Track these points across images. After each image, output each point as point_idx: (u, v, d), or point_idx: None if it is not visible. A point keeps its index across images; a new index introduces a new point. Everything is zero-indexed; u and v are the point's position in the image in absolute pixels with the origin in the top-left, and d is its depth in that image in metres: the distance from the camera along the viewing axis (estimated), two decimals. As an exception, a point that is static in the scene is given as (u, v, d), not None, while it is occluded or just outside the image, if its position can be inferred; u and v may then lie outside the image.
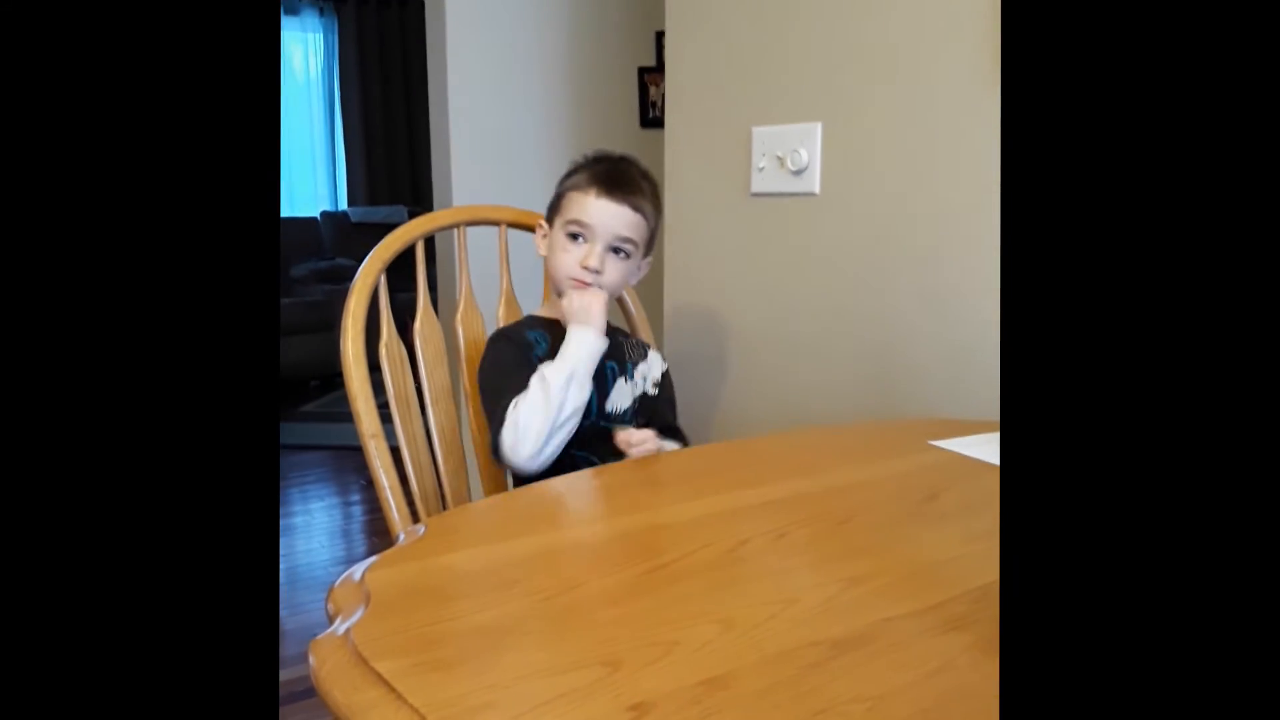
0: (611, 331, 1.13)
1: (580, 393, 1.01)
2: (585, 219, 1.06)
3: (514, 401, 1.01)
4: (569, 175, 1.12)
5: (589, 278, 1.06)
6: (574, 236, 1.07)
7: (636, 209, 1.08)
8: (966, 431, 0.96)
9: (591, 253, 1.06)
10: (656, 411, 1.15)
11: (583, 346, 1.03)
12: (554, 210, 1.11)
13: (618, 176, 1.08)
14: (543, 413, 0.99)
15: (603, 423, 1.08)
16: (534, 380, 1.01)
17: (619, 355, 1.12)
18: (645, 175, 1.12)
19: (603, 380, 1.08)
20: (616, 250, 1.07)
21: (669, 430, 1.14)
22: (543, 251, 1.13)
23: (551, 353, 1.06)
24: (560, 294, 1.09)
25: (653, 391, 1.15)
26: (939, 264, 1.22)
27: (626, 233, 1.07)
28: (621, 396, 1.11)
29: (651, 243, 1.12)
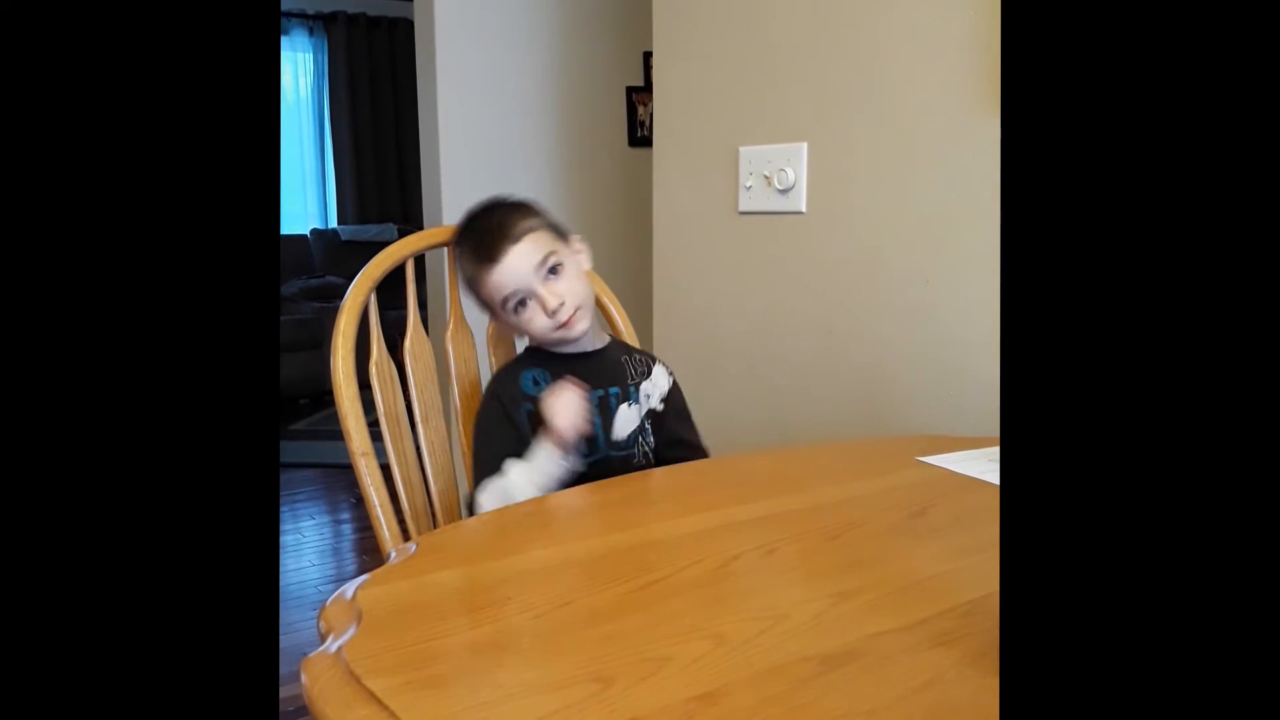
0: (613, 350, 1.11)
1: (544, 493, 0.97)
2: (511, 285, 1.01)
3: (481, 486, 0.99)
4: (460, 273, 1.08)
5: (564, 314, 1.01)
6: (520, 305, 1.02)
7: (524, 234, 1.02)
8: (955, 448, 0.97)
9: (542, 303, 1.01)
10: (668, 427, 1.12)
11: (548, 467, 0.98)
12: (484, 304, 1.06)
13: (489, 230, 1.04)
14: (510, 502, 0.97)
15: (613, 453, 1.05)
16: (494, 485, 0.98)
17: (621, 378, 1.09)
18: (503, 206, 1.07)
19: (607, 410, 1.06)
20: (550, 271, 1.02)
21: (685, 445, 1.12)
22: (521, 337, 1.09)
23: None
24: (551, 344, 1.06)
25: (659, 407, 1.12)
26: (926, 282, 1.23)
27: (539, 255, 1.02)
28: (627, 422, 1.08)
29: (560, 230, 1.07)
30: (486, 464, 1.01)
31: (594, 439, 1.04)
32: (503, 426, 1.03)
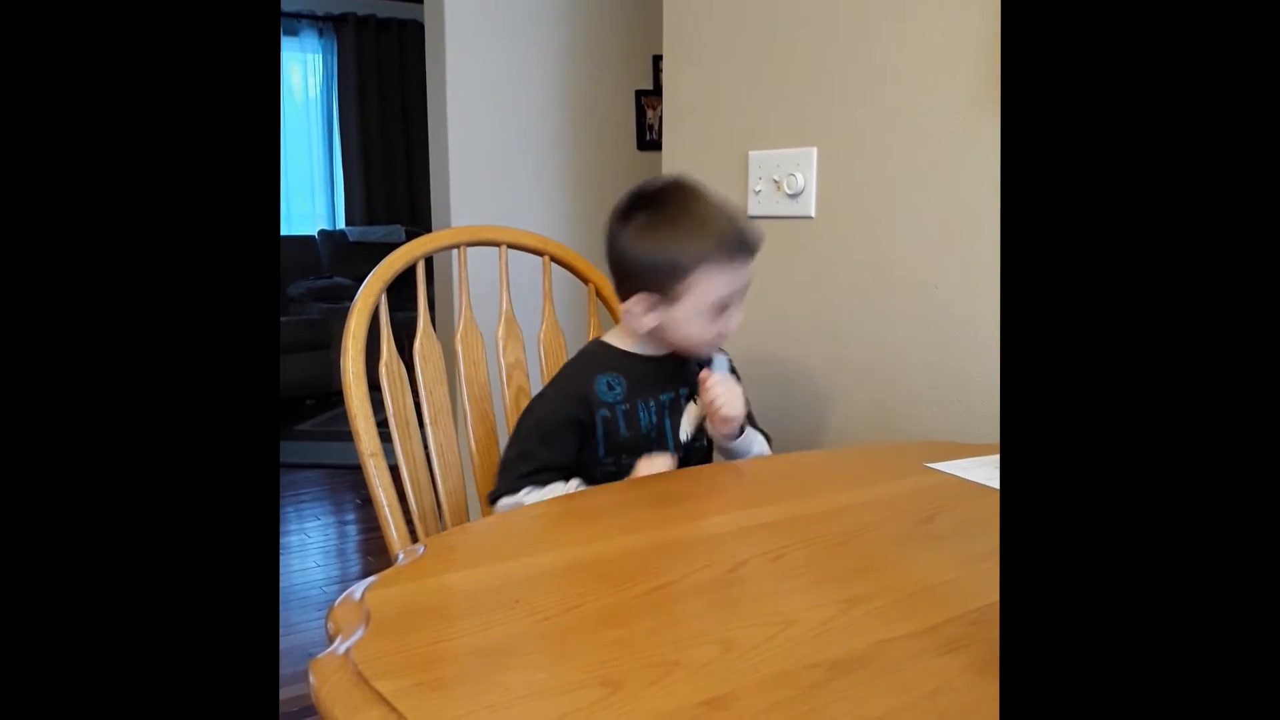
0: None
1: None
2: (733, 291, 0.97)
3: (527, 490, 0.97)
4: (677, 240, 0.95)
5: (733, 334, 1.00)
6: (724, 306, 0.97)
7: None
8: (963, 454, 0.96)
9: (735, 316, 0.98)
10: None
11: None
12: (675, 282, 0.96)
13: (746, 234, 0.97)
14: None
15: (679, 453, 1.03)
16: (542, 495, 0.96)
17: (690, 378, 1.05)
18: (726, 200, 1.02)
19: (677, 411, 1.03)
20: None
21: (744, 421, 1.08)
22: (652, 324, 1.00)
23: (628, 395, 1.01)
24: (693, 359, 1.03)
25: None
26: (934, 287, 1.23)
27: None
28: (691, 418, 1.05)
29: None
30: (535, 461, 0.98)
31: (664, 442, 1.02)
32: (566, 433, 1.00)
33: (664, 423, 1.03)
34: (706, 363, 1.07)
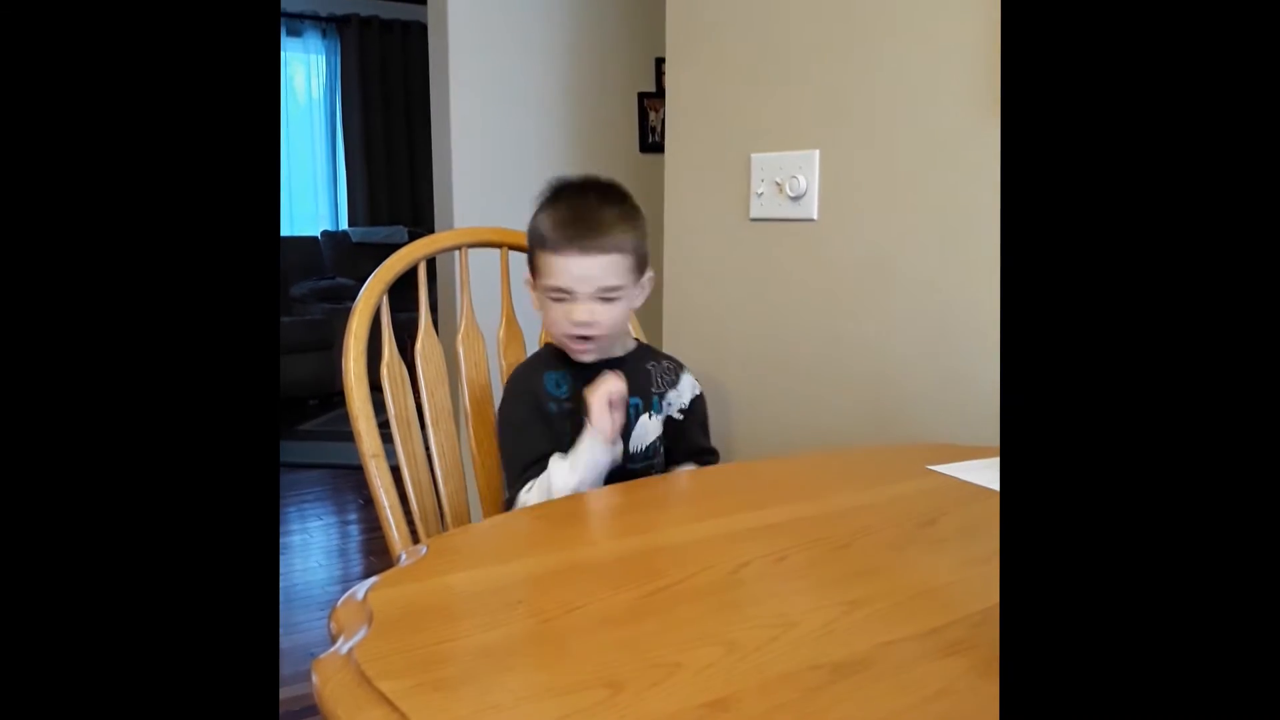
0: (639, 357, 1.09)
1: (588, 487, 0.96)
2: (561, 284, 0.98)
3: (529, 486, 0.98)
4: (534, 219, 1.02)
5: (584, 333, 0.99)
6: (557, 299, 0.99)
7: (613, 250, 0.98)
8: (965, 457, 0.97)
9: (574, 311, 0.98)
10: (682, 435, 1.10)
11: (594, 458, 0.96)
12: (530, 265, 1.04)
13: (583, 222, 0.97)
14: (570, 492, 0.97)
15: (630, 465, 1.03)
16: (540, 483, 0.97)
17: (644, 387, 1.06)
18: (612, 199, 1.01)
19: (627, 421, 1.03)
20: (604, 299, 0.99)
21: (699, 452, 1.10)
22: (535, 306, 1.05)
23: (573, 393, 1.01)
24: (557, 342, 1.04)
25: (678, 416, 1.10)
26: (936, 290, 1.23)
27: (608, 281, 0.98)
28: (647, 433, 1.06)
29: (644, 260, 1.03)
30: (522, 460, 0.99)
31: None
32: (534, 423, 1.01)
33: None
34: (670, 371, 1.10)
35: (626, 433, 1.03)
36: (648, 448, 1.06)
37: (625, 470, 1.03)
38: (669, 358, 1.14)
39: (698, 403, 1.13)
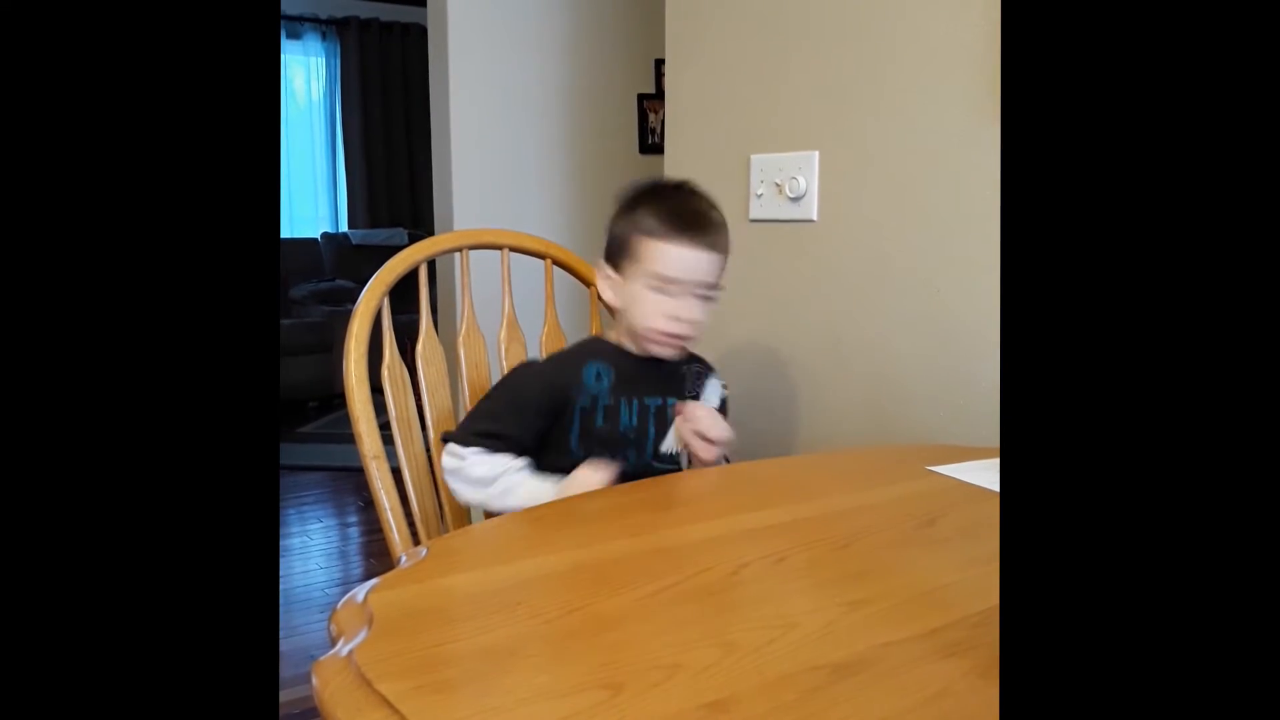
0: (682, 358, 1.08)
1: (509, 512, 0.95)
2: (672, 274, 0.97)
3: (476, 451, 0.98)
4: (631, 213, 1.01)
5: (678, 331, 0.99)
6: (663, 291, 0.98)
7: (720, 250, 1.00)
8: (965, 457, 0.97)
9: (680, 307, 0.98)
10: None
11: (543, 499, 0.95)
12: (622, 255, 1.01)
13: (694, 217, 0.99)
14: (479, 502, 0.99)
15: (656, 464, 1.03)
16: (501, 485, 0.97)
17: (678, 389, 1.06)
18: (712, 203, 1.04)
19: (663, 419, 1.03)
20: (703, 296, 1.00)
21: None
22: (614, 301, 1.03)
23: (615, 389, 1.01)
24: (641, 337, 1.02)
25: None
26: (936, 290, 1.23)
27: (713, 278, 0.99)
28: (678, 437, 1.05)
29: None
30: (490, 424, 0.99)
31: (642, 446, 1.02)
32: (532, 410, 1.01)
33: (646, 426, 1.03)
34: (701, 375, 1.09)
35: (660, 431, 1.04)
36: (678, 450, 1.05)
37: (651, 469, 1.03)
38: (700, 360, 1.14)
39: (723, 406, 1.12)
